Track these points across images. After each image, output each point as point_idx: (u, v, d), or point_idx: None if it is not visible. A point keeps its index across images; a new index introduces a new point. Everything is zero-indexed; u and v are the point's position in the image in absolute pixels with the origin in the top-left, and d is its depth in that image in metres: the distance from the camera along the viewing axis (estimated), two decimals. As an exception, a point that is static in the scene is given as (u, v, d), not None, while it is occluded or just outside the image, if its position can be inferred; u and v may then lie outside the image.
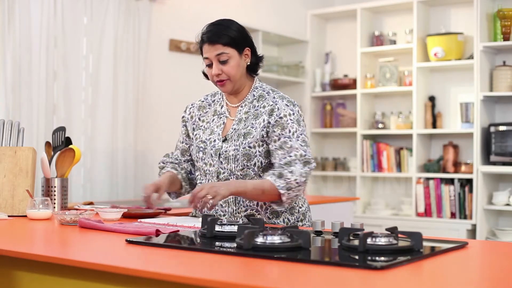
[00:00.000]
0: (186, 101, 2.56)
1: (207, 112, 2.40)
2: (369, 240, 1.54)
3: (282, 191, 2.13)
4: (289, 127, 2.21)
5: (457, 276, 1.36)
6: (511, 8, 4.57)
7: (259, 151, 2.24)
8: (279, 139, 2.21)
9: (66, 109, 3.74)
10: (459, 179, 4.86)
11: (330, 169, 5.55)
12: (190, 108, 2.45)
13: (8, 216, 2.44)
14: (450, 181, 4.90)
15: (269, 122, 2.23)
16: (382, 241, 1.54)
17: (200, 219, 2.14)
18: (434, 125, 5.09)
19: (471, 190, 4.77)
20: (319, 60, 5.67)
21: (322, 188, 5.63)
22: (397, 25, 5.36)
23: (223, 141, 2.28)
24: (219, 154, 2.26)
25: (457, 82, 5.07)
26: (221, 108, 2.37)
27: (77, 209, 2.49)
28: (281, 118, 2.22)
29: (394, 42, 5.30)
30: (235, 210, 2.26)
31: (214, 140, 2.30)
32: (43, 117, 3.60)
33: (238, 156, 2.23)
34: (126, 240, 1.74)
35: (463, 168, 4.85)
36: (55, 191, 2.55)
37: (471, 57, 4.81)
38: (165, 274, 1.36)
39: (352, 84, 5.43)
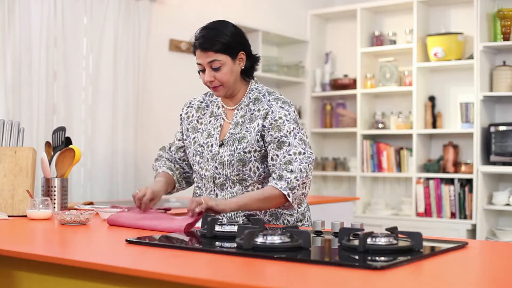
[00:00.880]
0: (186, 101, 2.56)
1: (205, 113, 2.37)
2: (369, 240, 1.54)
3: (285, 192, 2.11)
4: (286, 127, 2.18)
5: (457, 276, 1.36)
6: (511, 8, 4.57)
7: (254, 156, 2.20)
8: (277, 140, 2.17)
9: (66, 109, 3.74)
10: (459, 179, 4.86)
11: (330, 169, 5.55)
12: (188, 107, 2.43)
13: (8, 216, 2.44)
14: (450, 181, 4.90)
15: (263, 126, 2.20)
16: (382, 241, 1.54)
17: (200, 220, 2.14)
18: (434, 125, 5.09)
19: (471, 190, 4.77)
20: (319, 60, 5.67)
21: (322, 188, 5.63)
22: (397, 25, 5.36)
23: (220, 146, 2.25)
24: (216, 160, 2.24)
25: (457, 82, 5.07)
26: (218, 109, 2.34)
27: (77, 209, 2.49)
28: (276, 120, 2.18)
29: (394, 42, 5.30)
30: (235, 212, 2.24)
31: (212, 145, 2.27)
32: (43, 117, 3.60)
33: (233, 161, 2.20)
34: (126, 240, 1.74)
35: (463, 168, 4.85)
36: (55, 191, 2.55)
37: (471, 57, 4.81)
38: (165, 274, 1.36)
39: (352, 84, 5.43)
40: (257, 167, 2.22)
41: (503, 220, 4.80)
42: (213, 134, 2.29)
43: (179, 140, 2.46)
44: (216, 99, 2.38)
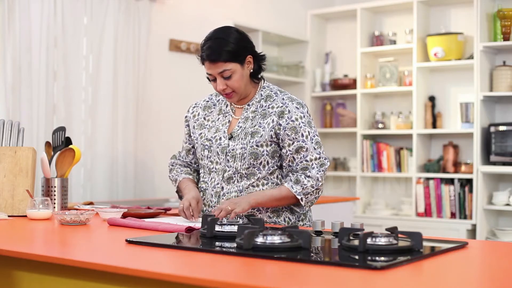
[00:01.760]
0: (186, 101, 2.57)
1: (212, 111, 2.41)
2: (369, 240, 1.54)
3: (299, 197, 2.23)
4: (301, 130, 2.24)
5: (457, 276, 1.36)
6: (511, 8, 4.57)
7: (266, 151, 2.25)
8: (293, 143, 2.24)
9: (66, 109, 3.74)
10: (459, 179, 4.86)
11: (330, 169, 5.55)
12: (194, 107, 2.46)
13: (8, 216, 2.44)
14: (450, 181, 4.90)
15: (279, 124, 2.24)
16: (382, 241, 1.54)
17: (200, 219, 2.15)
18: (434, 125, 5.09)
19: (471, 190, 4.77)
20: (319, 60, 5.67)
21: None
22: (397, 25, 5.36)
23: (229, 138, 2.29)
24: (226, 152, 2.27)
25: (457, 82, 5.07)
26: (226, 107, 2.38)
27: (77, 209, 2.49)
28: (293, 121, 2.24)
29: (394, 42, 5.30)
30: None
31: (220, 138, 2.30)
32: (43, 117, 3.60)
33: (245, 154, 2.24)
34: (126, 240, 1.74)
35: (463, 168, 4.85)
36: (55, 191, 2.55)
37: (471, 57, 4.81)
38: (165, 274, 1.36)
39: (352, 84, 5.43)
40: (267, 162, 2.27)
41: (503, 220, 4.80)
42: (221, 129, 2.32)
43: (186, 143, 2.48)
44: (224, 97, 2.39)
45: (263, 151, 2.25)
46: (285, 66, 5.39)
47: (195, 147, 2.41)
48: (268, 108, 2.29)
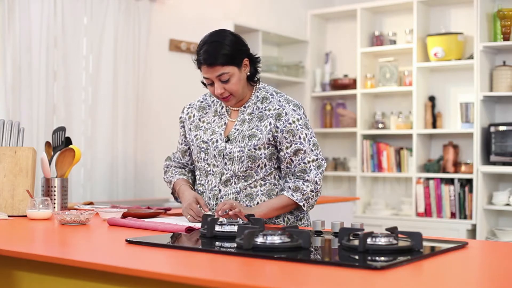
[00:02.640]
0: (186, 101, 2.56)
1: (207, 112, 2.39)
2: (369, 240, 1.54)
3: (301, 203, 2.26)
4: (299, 133, 2.24)
5: (457, 276, 1.36)
6: (511, 8, 4.57)
7: (264, 153, 2.25)
8: (290, 145, 2.24)
9: (66, 109, 3.74)
10: (459, 179, 4.86)
11: (330, 169, 5.55)
12: (188, 108, 2.44)
13: (8, 216, 2.44)
14: (450, 181, 4.90)
15: (277, 127, 2.23)
16: (382, 241, 1.54)
17: (200, 219, 2.15)
18: (434, 125, 5.09)
19: (471, 190, 4.77)
20: (319, 60, 5.67)
21: (322, 188, 5.61)
22: (397, 25, 5.36)
23: (226, 141, 2.28)
24: (223, 155, 2.26)
25: (457, 82, 5.07)
26: (222, 108, 2.37)
27: (77, 209, 2.49)
28: (290, 124, 2.23)
29: (394, 42, 5.30)
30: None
31: (217, 141, 2.29)
32: (43, 117, 3.60)
33: (243, 157, 2.24)
34: (126, 240, 1.74)
35: (463, 168, 4.85)
36: (55, 191, 2.55)
37: (471, 57, 4.81)
38: (165, 274, 1.36)
39: (352, 84, 5.43)
40: (265, 164, 2.27)
41: (503, 220, 4.80)
42: (217, 131, 2.31)
43: (181, 144, 2.47)
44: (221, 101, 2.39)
45: (260, 154, 2.24)
46: (285, 66, 5.39)
47: (191, 149, 2.40)
48: (265, 110, 2.28)
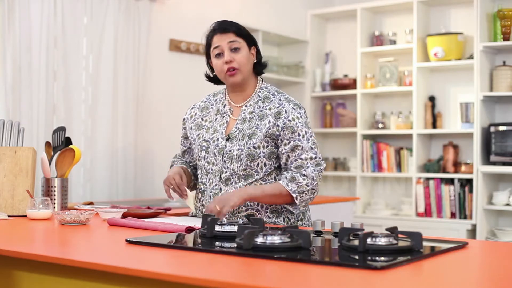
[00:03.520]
0: (186, 101, 2.57)
1: (209, 112, 2.41)
2: (369, 240, 1.54)
3: (294, 195, 2.22)
4: (298, 130, 2.25)
5: (457, 276, 1.36)
6: (511, 8, 4.57)
7: (263, 152, 2.25)
8: (289, 142, 2.24)
9: (66, 109, 3.74)
10: (459, 179, 4.86)
11: (330, 169, 5.55)
12: (192, 109, 2.48)
13: (8, 216, 2.44)
14: (450, 181, 4.90)
15: (277, 125, 2.24)
16: (382, 241, 1.54)
17: (200, 219, 2.15)
18: (434, 125, 5.09)
19: (471, 190, 4.77)
20: (319, 60, 5.67)
21: (322, 188, 5.63)
22: (397, 25, 5.36)
23: (227, 140, 2.29)
24: (223, 154, 2.27)
25: (457, 82, 5.07)
26: (224, 107, 2.38)
27: (77, 209, 2.49)
28: (290, 121, 2.24)
29: (394, 42, 5.30)
30: (236, 210, 2.26)
31: (217, 139, 2.31)
32: (43, 117, 3.60)
33: (242, 156, 2.24)
34: (126, 240, 1.74)
35: (463, 168, 4.85)
36: (55, 191, 2.55)
37: (471, 57, 4.81)
38: (165, 274, 1.36)
39: (352, 84, 5.43)
40: (265, 163, 2.27)
41: (503, 220, 4.80)
42: (219, 130, 2.33)
43: (182, 144, 2.52)
44: (221, 97, 2.41)
45: (259, 153, 2.25)
46: (285, 66, 5.39)
47: (192, 148, 2.42)
48: (266, 109, 2.30)
